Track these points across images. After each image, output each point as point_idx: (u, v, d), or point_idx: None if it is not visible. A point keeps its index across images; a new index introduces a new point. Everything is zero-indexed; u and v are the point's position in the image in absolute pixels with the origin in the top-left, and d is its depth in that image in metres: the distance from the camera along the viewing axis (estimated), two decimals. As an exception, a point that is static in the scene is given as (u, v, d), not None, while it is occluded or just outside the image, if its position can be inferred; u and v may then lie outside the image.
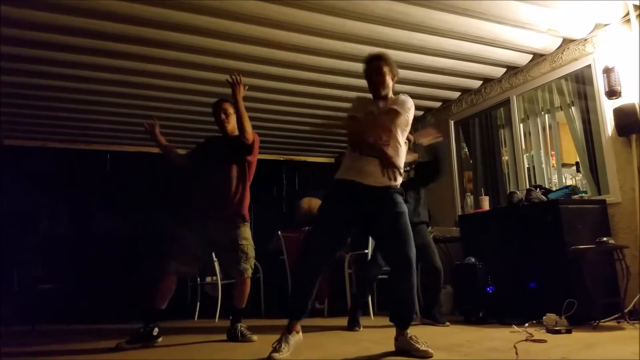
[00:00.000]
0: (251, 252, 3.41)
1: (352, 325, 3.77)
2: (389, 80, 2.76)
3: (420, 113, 6.08)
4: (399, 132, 2.70)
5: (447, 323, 3.85)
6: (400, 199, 2.68)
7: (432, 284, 4.02)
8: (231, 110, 3.44)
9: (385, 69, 2.73)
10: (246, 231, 3.42)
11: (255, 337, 3.33)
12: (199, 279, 5.18)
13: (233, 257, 3.36)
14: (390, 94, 2.80)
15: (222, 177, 3.38)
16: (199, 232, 3.30)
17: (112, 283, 5.71)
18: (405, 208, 2.68)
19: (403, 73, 4.76)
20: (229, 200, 3.36)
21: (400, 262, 2.61)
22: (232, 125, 3.43)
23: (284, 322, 2.67)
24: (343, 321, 3.89)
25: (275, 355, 2.49)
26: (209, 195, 3.37)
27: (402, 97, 2.78)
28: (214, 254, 3.35)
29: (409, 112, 2.73)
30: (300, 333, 2.68)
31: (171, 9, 3.45)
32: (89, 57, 4.07)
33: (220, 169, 3.39)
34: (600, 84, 3.99)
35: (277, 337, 2.61)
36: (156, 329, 3.20)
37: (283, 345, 2.55)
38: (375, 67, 2.74)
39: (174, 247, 3.27)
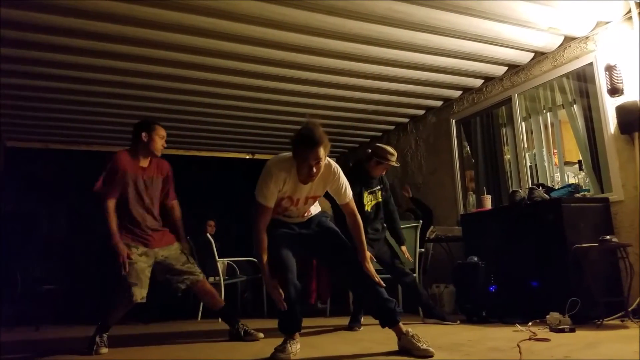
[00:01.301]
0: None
1: (352, 325, 3.77)
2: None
3: (422, 112, 6.08)
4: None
5: (458, 321, 3.84)
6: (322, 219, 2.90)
7: (408, 285, 3.99)
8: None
9: (323, 155, 2.50)
10: None
11: (261, 334, 3.33)
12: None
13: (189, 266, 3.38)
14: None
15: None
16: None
17: (114, 285, 5.72)
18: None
19: (404, 72, 4.79)
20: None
21: (354, 265, 2.71)
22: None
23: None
24: (345, 321, 3.88)
25: (280, 355, 2.50)
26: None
27: (327, 173, 2.63)
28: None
29: (337, 183, 2.70)
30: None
31: (170, 9, 3.45)
32: (89, 58, 4.08)
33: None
34: (602, 82, 3.98)
35: (279, 336, 2.63)
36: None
37: (288, 346, 2.58)
38: (316, 155, 2.45)
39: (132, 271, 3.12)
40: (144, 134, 3.26)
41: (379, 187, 3.97)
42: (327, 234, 2.84)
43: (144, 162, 3.32)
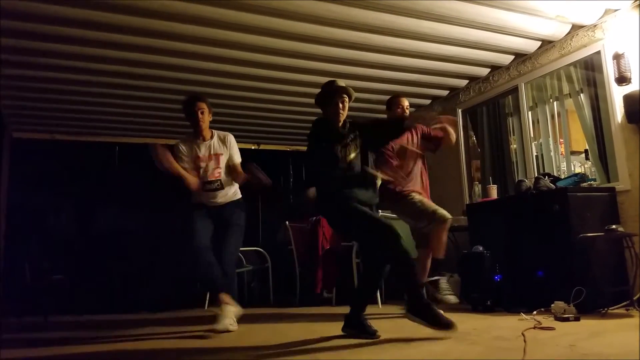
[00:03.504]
0: None
1: None
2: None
3: (428, 102, 6.05)
4: None
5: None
6: None
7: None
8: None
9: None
10: None
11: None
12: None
13: None
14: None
15: None
16: None
17: (122, 275, 5.79)
18: None
19: (410, 61, 4.76)
20: None
21: None
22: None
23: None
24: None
25: None
26: None
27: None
28: None
29: None
30: None
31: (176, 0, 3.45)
32: (96, 49, 4.07)
33: None
34: (609, 71, 3.94)
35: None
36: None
37: None
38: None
39: None
40: None
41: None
42: None
43: None
